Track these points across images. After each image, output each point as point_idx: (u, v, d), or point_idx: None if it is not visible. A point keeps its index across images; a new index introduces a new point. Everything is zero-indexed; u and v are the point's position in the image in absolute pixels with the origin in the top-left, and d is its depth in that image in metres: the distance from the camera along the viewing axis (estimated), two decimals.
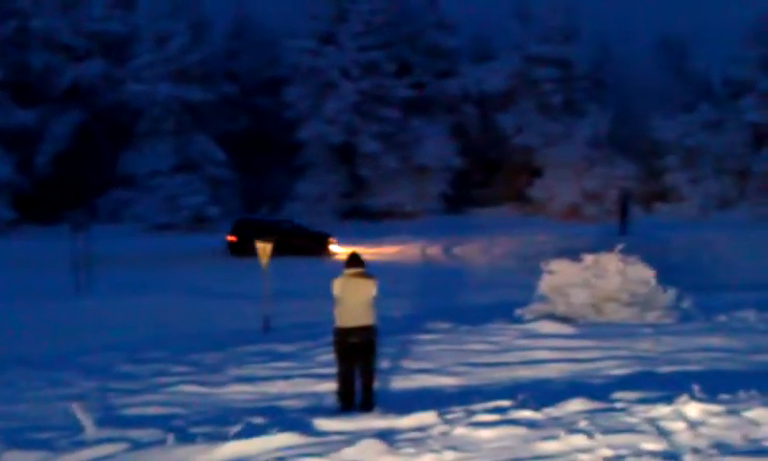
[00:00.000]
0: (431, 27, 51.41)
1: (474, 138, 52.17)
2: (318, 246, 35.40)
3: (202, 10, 50.21)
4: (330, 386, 11.19)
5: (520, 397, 10.34)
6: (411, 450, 8.70)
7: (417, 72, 50.51)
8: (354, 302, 10.61)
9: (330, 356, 11.22)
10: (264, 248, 18.61)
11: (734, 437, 8.84)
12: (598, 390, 10.86)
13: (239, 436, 9.34)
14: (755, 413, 9.33)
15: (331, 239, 35.98)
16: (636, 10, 78.68)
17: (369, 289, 10.65)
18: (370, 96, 46.75)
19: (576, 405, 9.79)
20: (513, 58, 51.42)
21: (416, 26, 51.11)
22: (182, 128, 45.93)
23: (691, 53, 62.04)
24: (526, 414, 9.56)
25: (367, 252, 33.51)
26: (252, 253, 31.07)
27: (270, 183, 49.90)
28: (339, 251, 34.88)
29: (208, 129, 47.40)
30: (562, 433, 8.83)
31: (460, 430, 9.17)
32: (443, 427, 9.33)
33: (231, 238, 35.11)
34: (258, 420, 10.03)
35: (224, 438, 9.29)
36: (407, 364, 13.41)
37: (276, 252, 32.82)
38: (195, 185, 44.76)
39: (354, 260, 10.86)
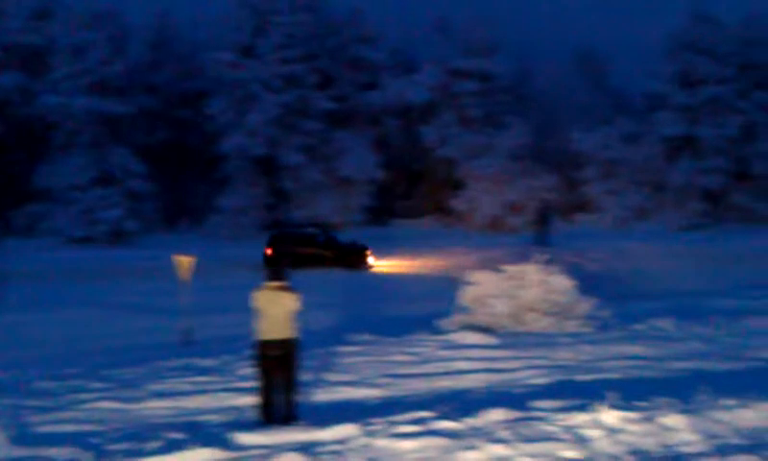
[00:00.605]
0: (353, 40, 51.47)
1: (397, 151, 52.34)
2: (355, 258, 35.01)
3: (121, 21, 49.55)
4: (251, 400, 11.07)
5: (441, 407, 10.36)
6: None
7: (339, 85, 50.50)
8: (275, 315, 10.52)
9: (252, 370, 11.11)
10: (182, 262, 18.33)
11: (650, 443, 8.99)
12: (518, 399, 10.93)
13: (157, 452, 9.19)
14: (670, 420, 9.50)
15: (368, 251, 35.50)
16: (557, 24, 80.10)
17: (290, 303, 10.56)
18: (292, 109, 46.58)
19: (496, 415, 9.86)
20: (435, 70, 51.72)
21: (338, 39, 51.10)
22: (100, 140, 45.18)
23: (610, 67, 63.18)
24: (447, 424, 9.59)
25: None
26: (290, 265, 30.90)
27: (191, 197, 49.43)
28: (375, 263, 34.99)
29: (128, 141, 46.73)
30: (482, 443, 8.88)
31: (381, 442, 9.16)
32: (364, 439, 9.31)
33: (268, 251, 34.48)
34: (177, 435, 9.87)
35: (141, 454, 9.13)
36: (329, 376, 13.35)
37: (313, 264, 32.97)
38: (113, 199, 44.07)
39: (276, 273, 10.78)
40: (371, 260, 35.13)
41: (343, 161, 47.66)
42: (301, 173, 46.45)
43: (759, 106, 51.27)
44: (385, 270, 34.53)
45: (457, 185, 49.88)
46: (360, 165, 47.76)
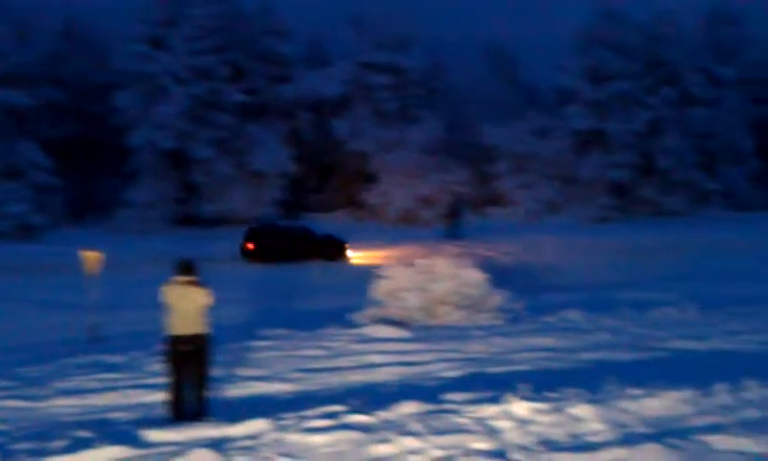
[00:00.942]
0: (265, 32, 51.07)
1: (309, 144, 52.18)
2: (334, 251, 35.23)
3: (26, 11, 48.35)
4: (161, 396, 10.90)
5: (353, 401, 10.35)
6: (243, 459, 8.61)
7: (251, 77, 50.08)
8: (184, 310, 10.37)
9: (161, 366, 10.93)
10: (89, 257, 17.96)
11: (560, 433, 9.11)
12: (430, 392, 10.98)
13: (63, 451, 8.99)
14: (579, 410, 9.64)
15: (346, 245, 35.77)
16: (469, 19, 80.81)
17: (199, 298, 10.41)
18: (202, 101, 46.06)
19: (408, 408, 9.89)
20: (347, 64, 51.74)
21: (249, 31, 50.66)
22: (5, 134, 44.03)
23: (521, 62, 64.05)
24: (359, 418, 9.58)
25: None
26: (269, 258, 30.01)
27: (99, 191, 48.55)
28: (354, 256, 35.50)
29: (34, 134, 45.63)
30: (394, 436, 8.90)
31: (293, 437, 9.12)
32: (276, 434, 9.25)
33: (249, 245, 34.53)
34: (84, 434, 9.66)
35: (47, 454, 8.92)
36: (241, 371, 13.22)
37: (292, 257, 33.34)
38: (19, 193, 42.97)
39: (185, 268, 10.61)
40: (349, 253, 35.35)
41: (254, 155, 47.31)
42: (212, 166, 45.99)
43: (666, 101, 52.48)
44: (361, 262, 34.40)
45: (370, 179, 49.97)
46: (272, 159, 47.47)
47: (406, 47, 52.13)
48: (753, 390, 10.70)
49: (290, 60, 51.90)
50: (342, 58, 52.77)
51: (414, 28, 53.27)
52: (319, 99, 51.21)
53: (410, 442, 8.77)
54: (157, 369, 12.19)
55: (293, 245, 35.06)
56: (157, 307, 10.78)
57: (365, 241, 39.57)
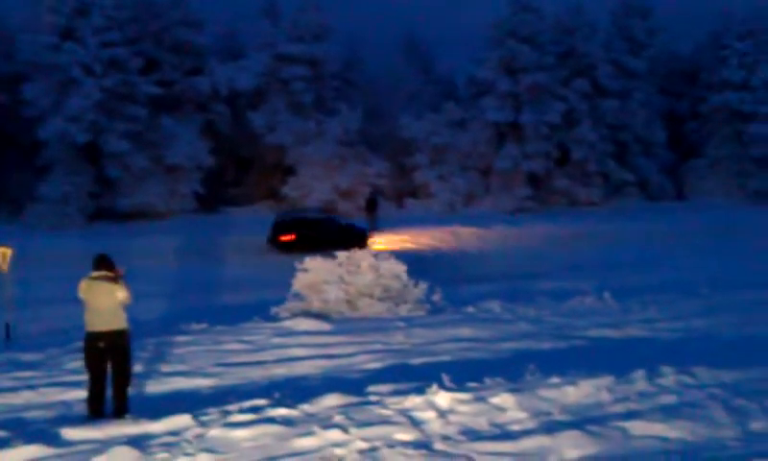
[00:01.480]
0: (177, 23, 50.24)
1: (226, 137, 51.61)
2: (357, 240, 34.25)
3: None
4: (80, 394, 10.70)
5: (276, 395, 10.30)
6: (164, 455, 8.51)
7: (164, 69, 49.31)
8: (101, 305, 10.18)
9: (80, 363, 10.72)
10: (3, 253, 17.50)
11: (482, 423, 9.22)
12: (353, 384, 11.00)
13: None
14: (500, 399, 9.76)
15: (368, 233, 36.81)
16: (386, 9, 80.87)
17: (116, 293, 10.21)
18: (115, 93, 45.15)
19: (331, 401, 9.89)
20: (262, 56, 51.31)
21: (162, 22, 49.83)
22: None
23: (437, 53, 64.42)
24: (282, 412, 9.55)
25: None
26: (304, 249, 30.57)
27: (10, 185, 47.33)
28: (377, 243, 36.11)
29: None
30: (317, 429, 8.90)
31: (215, 432, 9.05)
32: (197, 430, 9.17)
33: (289, 237, 35.20)
34: (1, 433, 9.41)
35: None
36: (161, 367, 13.05)
37: (322, 247, 32.60)
38: None
39: (101, 262, 10.41)
40: (370, 241, 35.89)
41: (170, 148, 46.62)
42: (127, 160, 45.14)
43: (580, 93, 53.31)
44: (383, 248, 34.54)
45: (288, 171, 49.70)
46: (188, 152, 46.84)
47: (322, 38, 51.92)
48: (669, 376, 10.95)
49: (204, 52, 51.19)
50: (257, 49, 52.33)
51: (330, 19, 53.11)
52: (234, 91, 50.68)
53: (334, 435, 8.78)
54: (76, 366, 11.96)
55: (323, 235, 35.19)
56: (75, 304, 10.57)
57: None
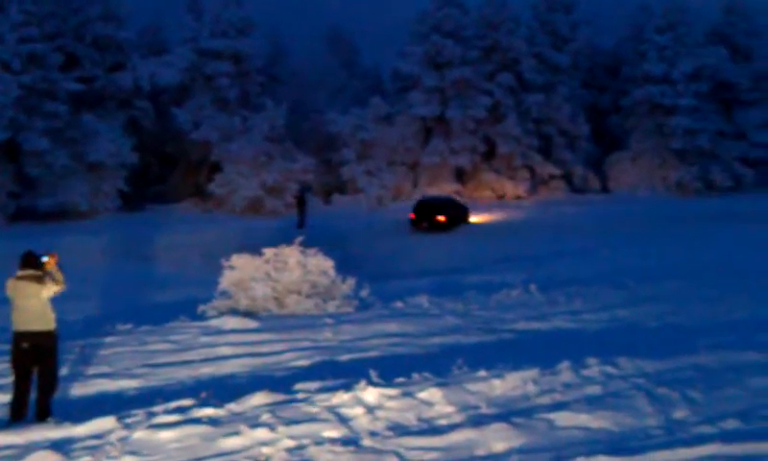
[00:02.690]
0: (98, 18, 49.32)
1: (150, 133, 50.92)
2: (465, 216, 43.25)
3: None
4: (3, 397, 10.44)
5: (202, 395, 10.18)
6: (87, 459, 8.36)
7: (85, 65, 48.42)
8: (26, 305, 9.94)
9: (6, 365, 10.47)
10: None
11: (409, 418, 9.23)
12: (281, 382, 10.92)
13: None
14: (427, 393, 9.79)
15: (469, 211, 44.02)
16: (309, 3, 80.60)
17: (41, 293, 9.97)
18: (35, 90, 44.20)
19: (258, 399, 9.82)
20: (186, 51, 50.73)
21: (82, 17, 48.89)
22: None
23: (362, 48, 64.37)
24: (208, 412, 9.45)
25: None
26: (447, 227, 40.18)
27: None
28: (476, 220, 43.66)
29: None
30: (244, 428, 8.82)
31: (140, 434, 8.91)
32: (122, 432, 9.02)
33: (442, 218, 41.10)
34: None
35: None
36: (86, 369, 12.78)
37: (456, 225, 41.37)
38: None
39: (27, 261, 10.16)
40: (472, 218, 43.56)
41: (92, 145, 45.76)
42: (48, 158, 44.21)
43: (504, 87, 53.78)
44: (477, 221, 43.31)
45: (214, 168, 49.24)
46: (111, 149, 46.01)
47: (245, 33, 51.51)
48: (593, 367, 11.09)
49: (126, 47, 50.40)
50: (180, 45, 51.76)
51: (253, 14, 52.71)
52: (157, 87, 50.04)
53: (261, 434, 8.71)
54: (1, 368, 11.68)
55: (458, 213, 42.58)
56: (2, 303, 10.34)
57: (208, 231, 38.97)
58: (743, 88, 60.42)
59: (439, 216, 40.83)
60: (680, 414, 9.40)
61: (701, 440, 8.47)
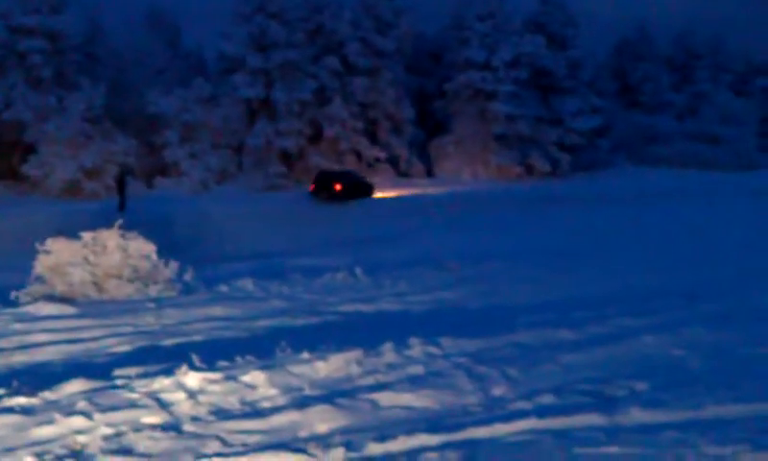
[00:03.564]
0: None
1: None
2: (368, 189, 46.53)
3: None
4: None
5: (14, 383, 9.76)
6: None
7: None
8: None
9: None
10: None
11: (232, 401, 9.15)
12: (99, 369, 10.58)
13: None
14: (251, 377, 9.73)
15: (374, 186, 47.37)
16: None
17: None
18: None
19: (75, 386, 9.50)
20: None
21: None
22: None
23: (183, 27, 63.21)
24: (20, 400, 9.07)
25: None
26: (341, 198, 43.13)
27: None
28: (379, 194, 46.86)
29: None
30: (59, 416, 8.52)
31: None
32: None
33: (338, 186, 44.47)
34: None
35: None
36: None
37: (353, 196, 44.16)
38: None
39: None
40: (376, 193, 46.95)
41: None
42: None
43: (330, 71, 53.94)
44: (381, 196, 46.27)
45: (29, 150, 47.30)
46: None
47: (60, 10, 49.57)
48: (416, 348, 11.25)
49: None
50: None
51: None
52: None
53: (77, 422, 8.42)
54: None
55: (357, 186, 45.65)
56: None
57: (23, 215, 37.51)
58: (560, 76, 62.72)
59: (336, 184, 44.29)
60: (498, 391, 9.64)
61: (518, 415, 8.71)
